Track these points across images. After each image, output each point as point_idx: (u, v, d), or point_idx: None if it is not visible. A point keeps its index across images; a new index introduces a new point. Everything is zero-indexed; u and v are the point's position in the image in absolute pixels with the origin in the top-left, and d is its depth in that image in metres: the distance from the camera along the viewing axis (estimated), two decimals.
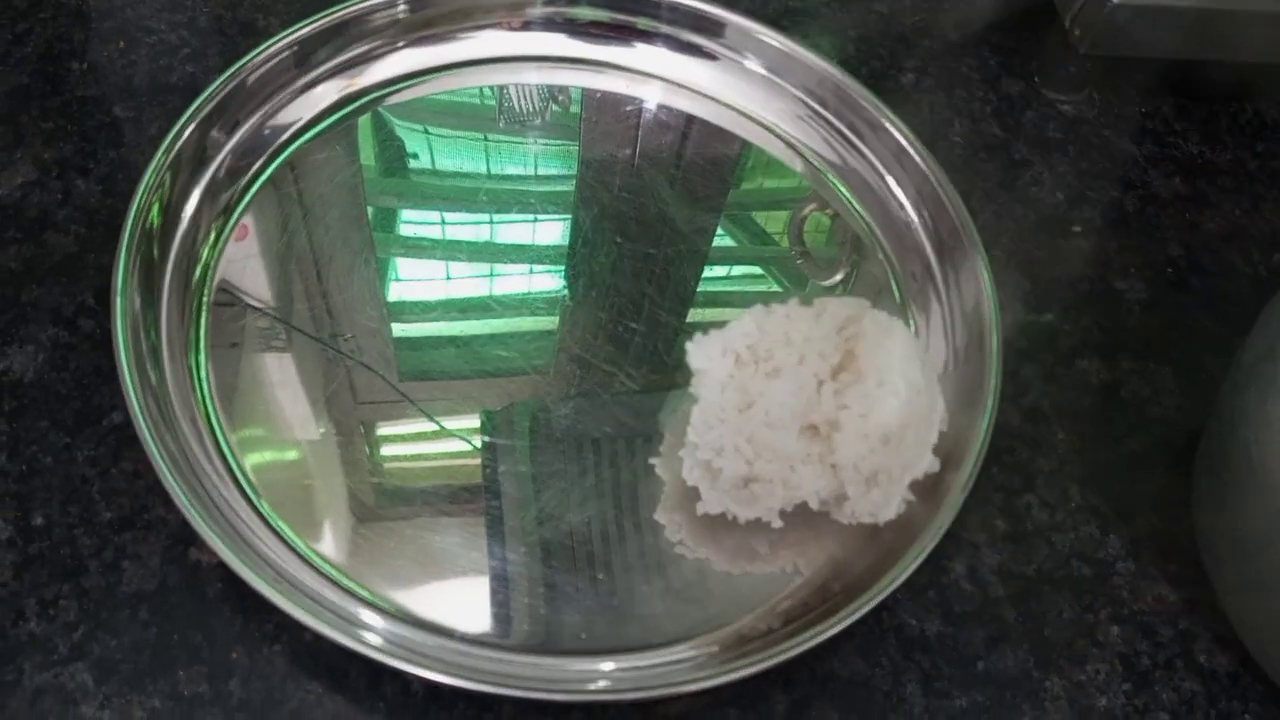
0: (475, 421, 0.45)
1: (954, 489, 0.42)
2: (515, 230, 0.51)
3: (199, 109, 0.48)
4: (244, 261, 0.48)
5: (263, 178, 0.50)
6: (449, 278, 0.50)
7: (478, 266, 0.50)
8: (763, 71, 0.54)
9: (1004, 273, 0.51)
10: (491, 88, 0.54)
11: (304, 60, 0.51)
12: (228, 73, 0.49)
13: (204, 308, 0.46)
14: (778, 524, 0.42)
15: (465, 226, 0.52)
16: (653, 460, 0.44)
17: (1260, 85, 0.59)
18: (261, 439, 0.44)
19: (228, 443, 0.43)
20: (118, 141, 0.50)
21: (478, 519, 0.43)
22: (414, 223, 0.52)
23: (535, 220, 0.52)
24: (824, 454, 0.41)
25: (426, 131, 0.53)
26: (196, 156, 0.48)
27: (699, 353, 0.43)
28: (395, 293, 0.49)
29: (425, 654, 0.39)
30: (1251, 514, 0.40)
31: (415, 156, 0.53)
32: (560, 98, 0.54)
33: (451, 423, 0.45)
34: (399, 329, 0.47)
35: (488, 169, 0.53)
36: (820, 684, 0.41)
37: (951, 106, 0.57)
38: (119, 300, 0.43)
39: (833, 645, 0.40)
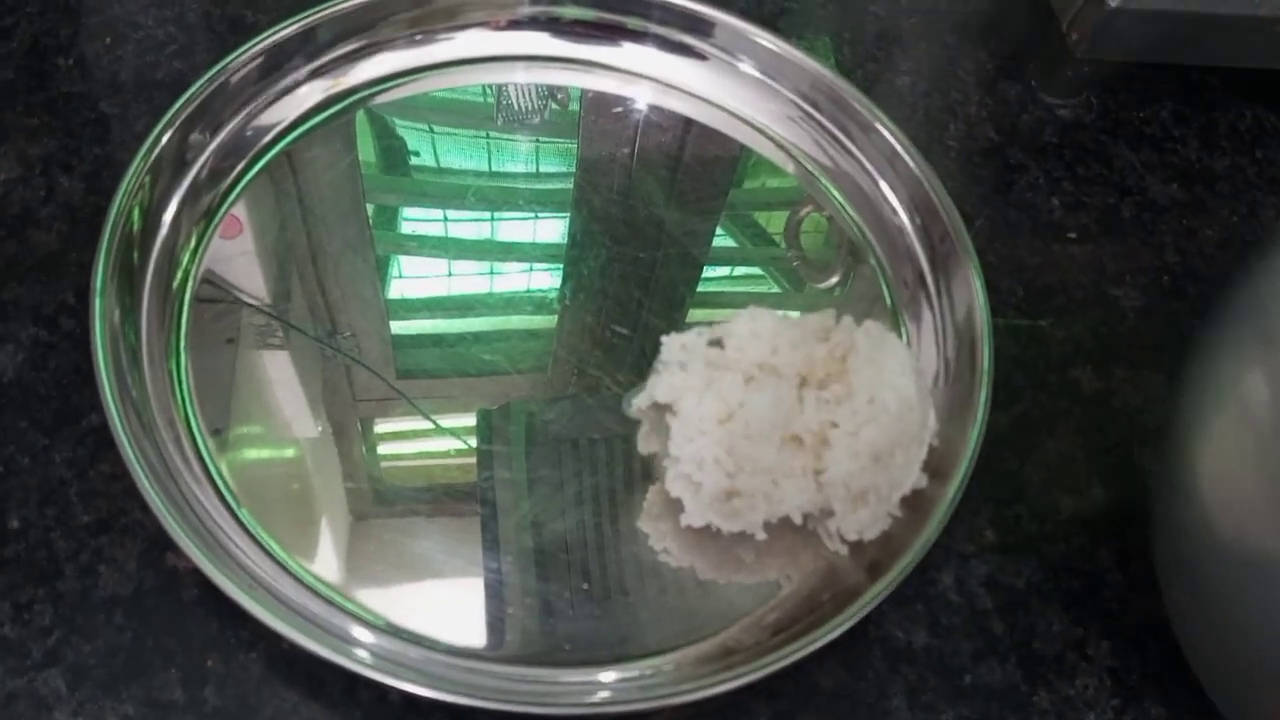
0: (460, 423, 0.45)
1: (943, 500, 0.42)
2: (503, 230, 0.51)
3: (179, 111, 0.47)
4: (236, 259, 0.47)
5: (245, 179, 0.49)
6: (434, 276, 0.49)
7: (462, 265, 0.50)
8: (755, 73, 0.53)
9: (997, 279, 0.51)
10: (487, 86, 0.54)
11: (287, 61, 0.50)
12: (209, 73, 0.48)
13: (185, 309, 0.46)
14: (761, 536, 0.41)
15: (454, 225, 0.51)
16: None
17: (1259, 91, 0.59)
18: (244, 441, 0.43)
19: (207, 446, 0.42)
20: (103, 138, 0.50)
21: (460, 524, 0.42)
22: (410, 219, 0.51)
23: (525, 220, 0.51)
24: (807, 467, 0.41)
25: (430, 130, 0.53)
26: (177, 159, 0.47)
27: (666, 366, 0.42)
28: (383, 292, 0.48)
29: (404, 665, 0.38)
30: (1198, 537, 0.35)
31: (417, 154, 0.52)
32: (560, 96, 0.54)
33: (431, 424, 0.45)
34: (388, 329, 0.47)
35: (487, 167, 0.52)
36: (804, 696, 0.40)
37: (947, 110, 0.56)
38: (98, 303, 0.42)
39: (817, 657, 0.39)
